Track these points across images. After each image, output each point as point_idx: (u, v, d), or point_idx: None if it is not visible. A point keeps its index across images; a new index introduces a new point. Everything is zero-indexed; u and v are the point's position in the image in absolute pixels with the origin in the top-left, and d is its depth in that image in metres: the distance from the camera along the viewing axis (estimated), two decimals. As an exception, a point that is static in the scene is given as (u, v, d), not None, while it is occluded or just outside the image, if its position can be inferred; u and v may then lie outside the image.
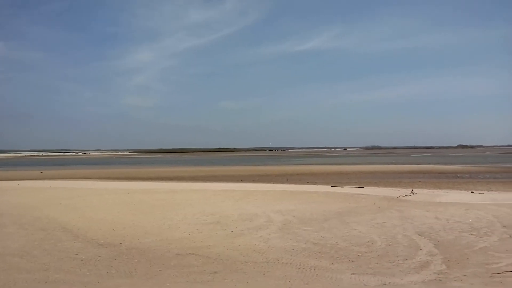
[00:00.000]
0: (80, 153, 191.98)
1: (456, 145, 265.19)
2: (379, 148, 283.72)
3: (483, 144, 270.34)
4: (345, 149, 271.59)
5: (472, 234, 8.98)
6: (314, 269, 6.61)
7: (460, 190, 21.22)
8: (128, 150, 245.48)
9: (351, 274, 6.32)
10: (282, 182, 28.83)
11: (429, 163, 57.81)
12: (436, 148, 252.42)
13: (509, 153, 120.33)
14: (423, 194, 17.66)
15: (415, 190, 18.83)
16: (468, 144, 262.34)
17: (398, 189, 20.85)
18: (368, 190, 19.53)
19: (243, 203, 14.89)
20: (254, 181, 30.89)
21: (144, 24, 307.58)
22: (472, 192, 19.12)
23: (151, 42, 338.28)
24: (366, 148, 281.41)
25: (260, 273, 6.49)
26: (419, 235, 9.03)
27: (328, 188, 20.97)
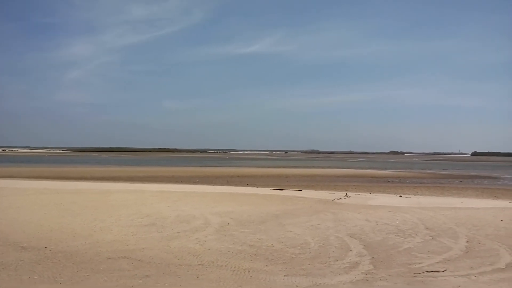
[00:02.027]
0: (7, 150, 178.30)
1: (388, 151, 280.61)
2: (318, 152, 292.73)
3: (412, 151, 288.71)
4: (286, 152, 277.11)
5: (398, 236, 9.51)
6: (249, 271, 6.64)
7: (389, 194, 22.42)
8: (61, 148, 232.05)
9: (284, 275, 6.42)
10: (222, 184, 28.74)
11: (363, 168, 60.60)
12: (371, 153, 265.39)
13: (435, 160, 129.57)
14: (356, 197, 18.44)
15: (349, 194, 19.62)
16: (399, 151, 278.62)
17: (333, 192, 21.59)
18: (306, 193, 20.05)
19: (181, 204, 14.64)
20: (193, 182, 30.53)
21: (82, 15, 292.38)
22: (400, 196, 20.29)
23: (89, 35, 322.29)
24: (306, 152, 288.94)
25: (194, 276, 6.39)
26: (350, 236, 9.40)
27: (267, 191, 21.24)
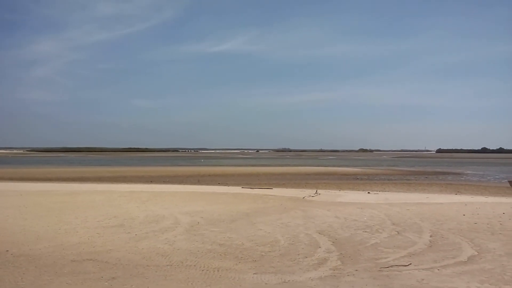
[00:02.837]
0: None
1: (357, 149, 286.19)
2: (290, 150, 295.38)
3: (381, 149, 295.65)
4: (257, 151, 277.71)
5: (365, 232, 9.70)
6: (218, 270, 6.61)
7: (358, 190, 22.87)
8: (26, 148, 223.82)
9: (254, 273, 6.43)
10: (193, 183, 28.52)
11: (333, 166, 61.55)
12: (341, 151, 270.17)
13: (401, 157, 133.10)
14: (326, 194, 18.71)
15: (319, 191, 19.87)
16: (368, 148, 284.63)
17: (304, 190, 21.83)
18: (276, 191, 20.17)
19: (150, 204, 14.42)
20: (164, 182, 30.14)
21: (45, 12, 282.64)
22: (368, 192, 20.73)
23: (54, 32, 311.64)
24: (278, 151, 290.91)
25: (162, 277, 6.31)
26: (319, 233, 9.51)
27: (238, 189, 21.23)
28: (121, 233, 9.61)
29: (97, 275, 6.36)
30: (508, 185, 22.19)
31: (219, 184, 28.45)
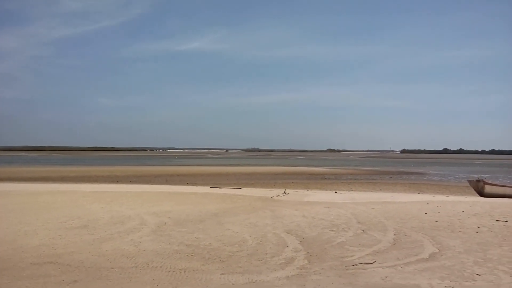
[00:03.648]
0: None
1: (326, 149, 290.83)
2: (259, 150, 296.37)
3: (348, 149, 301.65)
4: (226, 150, 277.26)
5: (332, 230, 9.85)
6: (185, 271, 6.52)
7: (326, 190, 23.22)
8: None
9: (221, 274, 6.39)
10: (161, 183, 28.10)
11: (301, 166, 62.23)
12: (309, 151, 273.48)
13: (368, 157, 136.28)
14: (294, 194, 18.87)
15: (287, 191, 20.03)
16: (335, 149, 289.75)
17: (272, 189, 21.94)
18: (245, 191, 20.16)
19: (115, 205, 14.08)
20: (130, 182, 29.55)
21: (8, 6, 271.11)
22: (335, 192, 21.08)
23: (16, 27, 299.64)
24: (247, 150, 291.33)
25: (126, 279, 6.16)
26: (287, 233, 9.57)
27: (206, 189, 21.08)
28: (84, 234, 9.33)
29: (58, 278, 6.14)
30: (468, 184, 23.12)
31: (187, 184, 28.17)
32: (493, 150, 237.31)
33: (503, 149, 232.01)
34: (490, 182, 21.99)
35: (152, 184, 26.12)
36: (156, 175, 37.31)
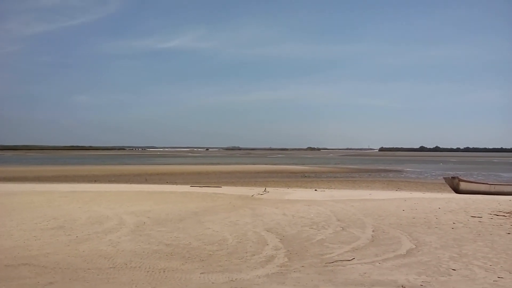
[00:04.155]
0: None
1: (306, 147, 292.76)
2: (239, 149, 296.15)
3: (328, 147, 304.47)
4: (207, 149, 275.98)
5: (312, 228, 9.91)
6: (164, 271, 6.45)
7: (306, 188, 23.38)
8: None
9: (201, 273, 6.35)
10: (141, 182, 27.77)
11: (282, 164, 62.49)
12: (289, 149, 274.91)
13: (347, 155, 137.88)
14: (274, 192, 18.93)
15: (268, 189, 20.07)
16: (315, 147, 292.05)
17: (253, 188, 21.95)
18: (226, 190, 20.11)
19: (93, 205, 13.82)
20: (109, 181, 29.09)
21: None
22: (315, 190, 21.23)
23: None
24: (227, 149, 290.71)
25: (104, 280, 6.05)
26: (267, 231, 9.59)
27: (186, 188, 20.94)
28: (60, 235, 9.13)
29: (33, 280, 5.99)
30: (443, 181, 23.65)
31: (167, 183, 27.92)
32: (467, 148, 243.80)
33: (477, 147, 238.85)
34: (465, 179, 22.55)
35: (131, 184, 25.77)
36: (135, 174, 36.84)
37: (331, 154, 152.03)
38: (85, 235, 9.11)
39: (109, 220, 10.93)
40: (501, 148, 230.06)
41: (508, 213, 12.22)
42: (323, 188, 22.73)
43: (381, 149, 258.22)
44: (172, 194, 17.53)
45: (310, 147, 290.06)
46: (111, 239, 8.71)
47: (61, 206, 13.46)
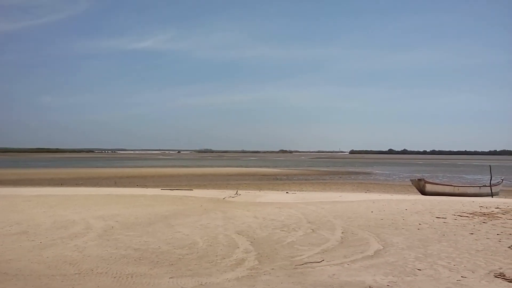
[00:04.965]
0: None
1: (278, 150, 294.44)
2: (212, 151, 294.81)
3: (299, 150, 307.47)
4: (178, 152, 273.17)
5: (283, 231, 9.96)
6: (132, 276, 6.32)
7: (277, 191, 23.50)
8: None
9: (170, 277, 6.26)
10: (109, 186, 27.16)
11: (254, 166, 62.59)
12: (262, 152, 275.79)
13: (318, 158, 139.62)
14: (246, 195, 18.91)
15: (239, 192, 20.04)
16: (288, 149, 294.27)
17: (225, 190, 21.87)
18: (197, 192, 19.95)
19: (59, 209, 13.40)
20: (76, 184, 28.31)
21: None
22: (287, 192, 21.38)
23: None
24: (200, 151, 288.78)
25: (69, 286, 5.87)
26: (238, 234, 9.56)
27: (157, 191, 20.63)
28: (23, 241, 8.79)
29: (-8, 289, 5.73)
30: (410, 183, 24.31)
31: (137, 186, 27.45)
32: (433, 150, 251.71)
33: (443, 149, 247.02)
34: (430, 181, 23.28)
35: (99, 187, 25.16)
36: (104, 177, 36.02)
37: (303, 157, 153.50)
38: (50, 241, 8.81)
39: (75, 225, 10.61)
40: (465, 151, 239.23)
41: (471, 214, 12.67)
42: (295, 191, 22.91)
43: (352, 152, 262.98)
44: (142, 197, 17.22)
45: (283, 150, 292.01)
46: (77, 244, 8.46)
47: (25, 211, 12.98)
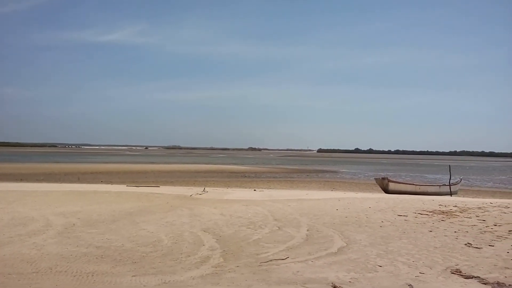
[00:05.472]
0: None
1: (247, 147, 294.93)
2: (180, 148, 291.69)
3: (268, 148, 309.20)
4: (146, 148, 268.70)
5: (249, 228, 9.98)
6: (92, 275, 6.15)
7: (245, 188, 23.53)
8: None
9: (132, 276, 6.14)
10: (72, 182, 26.37)
11: (223, 164, 62.42)
12: (231, 149, 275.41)
13: (287, 156, 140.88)
14: (214, 192, 18.83)
15: (207, 189, 19.91)
16: (257, 147, 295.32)
17: (192, 187, 21.69)
18: (164, 189, 19.68)
19: (18, 205, 12.88)
20: (37, 180, 27.32)
21: None
22: (254, 190, 21.44)
23: None
24: (168, 148, 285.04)
25: (26, 285, 5.65)
26: (204, 231, 9.50)
27: (122, 188, 20.20)
28: (-23, 239, 8.39)
29: None
30: (375, 182, 24.93)
31: (102, 182, 26.78)
32: (397, 150, 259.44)
33: (406, 149, 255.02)
34: (393, 180, 23.94)
35: (61, 183, 24.38)
36: (67, 173, 34.95)
37: (272, 155, 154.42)
38: (7, 238, 8.45)
39: (34, 222, 10.24)
40: (427, 151, 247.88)
41: (430, 212, 13.13)
42: (262, 188, 23.01)
43: (319, 151, 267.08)
44: (106, 194, 16.81)
45: (252, 147, 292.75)
46: (36, 242, 8.16)
47: (-21, 207, 12.39)
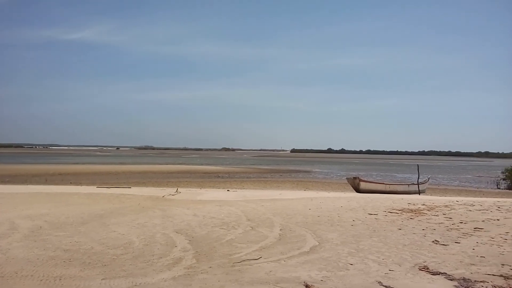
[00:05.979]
0: None
1: (220, 147, 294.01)
2: (153, 148, 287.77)
3: (242, 148, 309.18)
4: (117, 148, 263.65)
5: (222, 228, 9.94)
6: (60, 279, 5.98)
7: (219, 188, 23.44)
8: None
9: (102, 279, 6.00)
10: (40, 183, 25.55)
11: (196, 164, 61.97)
12: (204, 150, 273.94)
13: (261, 156, 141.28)
14: (187, 193, 18.67)
15: (180, 189, 19.73)
16: (230, 148, 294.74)
17: (165, 188, 21.43)
18: (135, 190, 19.37)
19: (-20, 208, 12.36)
20: (2, 182, 26.31)
21: None
22: (228, 190, 21.39)
23: None
24: (140, 148, 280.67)
25: (-12, 292, 5.43)
26: (177, 232, 9.40)
27: (92, 189, 19.73)
28: None
29: None
30: (347, 181, 25.34)
31: (71, 183, 26.07)
32: (369, 150, 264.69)
33: (377, 149, 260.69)
34: (364, 179, 24.42)
35: (28, 184, 23.58)
36: (34, 175, 33.84)
37: (245, 155, 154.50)
38: (-32, 243, 8.10)
39: (-1, 225, 9.86)
40: (397, 151, 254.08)
41: (400, 210, 13.46)
42: (236, 189, 22.98)
43: (293, 151, 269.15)
44: (75, 195, 16.39)
45: (225, 148, 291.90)
46: (0, 246, 7.86)
47: None
